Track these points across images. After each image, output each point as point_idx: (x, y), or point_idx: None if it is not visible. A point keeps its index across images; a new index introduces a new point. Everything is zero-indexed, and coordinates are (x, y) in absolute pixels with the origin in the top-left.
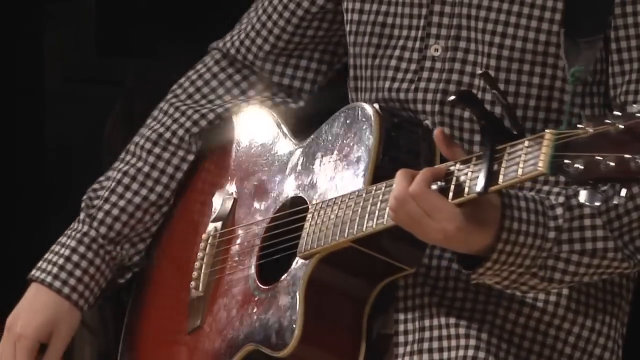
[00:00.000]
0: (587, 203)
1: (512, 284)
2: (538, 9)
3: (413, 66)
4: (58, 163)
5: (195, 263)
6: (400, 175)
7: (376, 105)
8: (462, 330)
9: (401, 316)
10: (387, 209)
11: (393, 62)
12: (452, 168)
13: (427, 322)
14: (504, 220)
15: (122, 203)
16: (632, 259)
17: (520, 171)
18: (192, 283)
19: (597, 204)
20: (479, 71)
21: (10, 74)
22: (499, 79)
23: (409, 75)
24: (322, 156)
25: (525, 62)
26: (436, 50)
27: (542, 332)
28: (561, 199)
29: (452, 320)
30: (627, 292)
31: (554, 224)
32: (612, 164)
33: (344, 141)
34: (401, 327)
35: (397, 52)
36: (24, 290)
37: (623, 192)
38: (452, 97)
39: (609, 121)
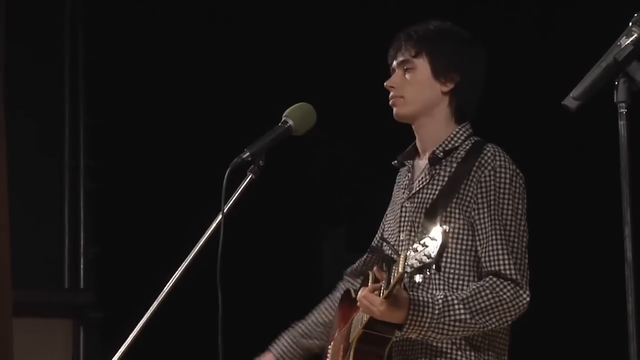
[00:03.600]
0: (418, 280)
1: (424, 337)
2: (422, 209)
3: (392, 241)
4: None
5: None
6: (360, 291)
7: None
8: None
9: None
10: None
11: (392, 241)
12: (381, 283)
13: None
14: (411, 304)
15: None
16: (482, 324)
17: (396, 274)
18: None
19: (422, 279)
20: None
21: None
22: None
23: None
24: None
25: (413, 231)
26: (403, 234)
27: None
28: (441, 296)
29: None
30: (500, 336)
31: (437, 306)
32: (418, 261)
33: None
34: None
35: (392, 236)
36: None
37: (454, 256)
38: (370, 247)
39: (419, 240)
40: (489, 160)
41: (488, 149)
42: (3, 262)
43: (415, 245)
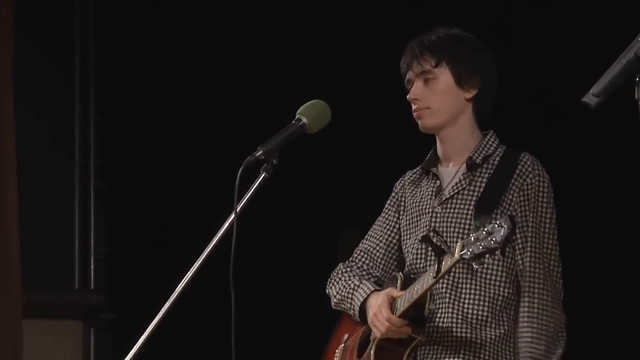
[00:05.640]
0: (475, 266)
1: None
2: (466, 209)
3: (422, 250)
4: None
5: None
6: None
7: (401, 274)
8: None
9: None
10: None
11: (414, 250)
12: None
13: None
14: None
15: None
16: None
17: (449, 261)
18: None
19: (479, 266)
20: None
21: None
22: (448, 235)
23: (422, 255)
24: None
25: (461, 229)
26: (435, 239)
27: None
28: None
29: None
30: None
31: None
32: (481, 247)
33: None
34: None
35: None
36: None
37: (490, 259)
38: (421, 237)
39: (479, 229)
40: (530, 169)
41: (526, 158)
42: (13, 263)
43: (476, 234)
